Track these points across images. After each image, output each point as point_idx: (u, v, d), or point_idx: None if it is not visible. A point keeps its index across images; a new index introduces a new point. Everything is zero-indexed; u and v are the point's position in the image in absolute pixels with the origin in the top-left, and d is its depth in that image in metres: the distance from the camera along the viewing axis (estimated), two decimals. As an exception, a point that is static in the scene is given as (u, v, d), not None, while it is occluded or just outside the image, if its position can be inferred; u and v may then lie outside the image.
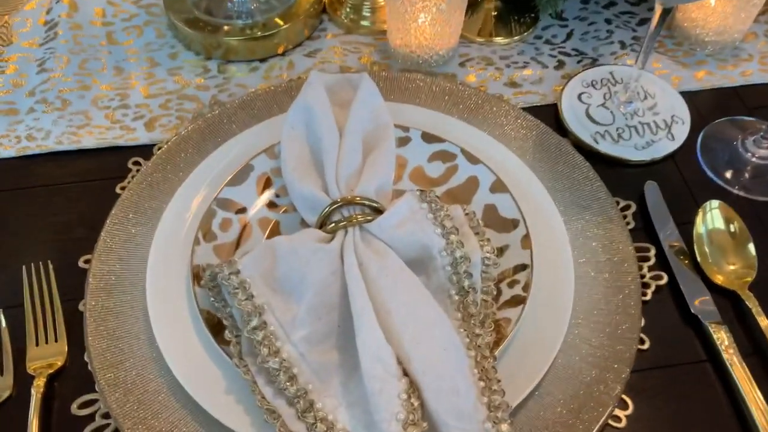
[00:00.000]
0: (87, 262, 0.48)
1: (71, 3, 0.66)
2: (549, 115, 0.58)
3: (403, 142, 0.52)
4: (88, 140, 0.56)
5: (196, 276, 0.44)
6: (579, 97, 0.58)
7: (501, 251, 0.46)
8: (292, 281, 0.42)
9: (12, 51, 0.63)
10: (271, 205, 0.50)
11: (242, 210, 0.49)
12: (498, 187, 0.48)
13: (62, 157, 0.55)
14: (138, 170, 0.53)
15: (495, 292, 0.43)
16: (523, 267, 0.45)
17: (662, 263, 0.49)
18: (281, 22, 0.62)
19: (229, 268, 0.41)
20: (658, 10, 0.49)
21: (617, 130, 0.55)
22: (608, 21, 0.65)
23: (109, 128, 0.57)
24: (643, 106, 0.57)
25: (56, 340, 0.45)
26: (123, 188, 0.52)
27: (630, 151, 0.54)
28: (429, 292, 0.41)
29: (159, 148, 0.55)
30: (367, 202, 0.46)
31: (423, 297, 0.41)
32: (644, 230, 0.51)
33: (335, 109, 0.52)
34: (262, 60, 0.62)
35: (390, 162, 0.49)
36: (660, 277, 0.47)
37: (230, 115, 0.55)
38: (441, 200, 0.45)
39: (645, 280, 0.47)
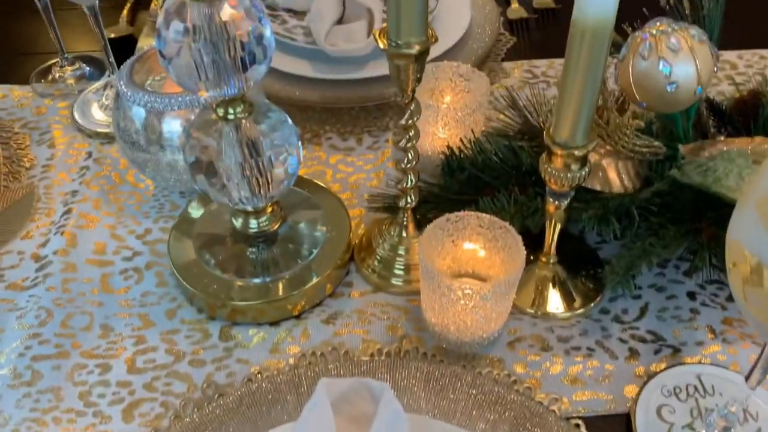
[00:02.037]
0: None
1: (70, 237, 0.59)
2: (619, 426, 0.46)
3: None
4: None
5: None
6: (658, 411, 0.46)
7: None
8: None
9: (-6, 293, 0.56)
10: None
11: None
12: None
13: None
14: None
15: None
16: None
17: None
18: (302, 282, 0.53)
19: None
20: None
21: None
22: (691, 295, 0.54)
23: (80, 414, 0.47)
24: None
25: None
26: None
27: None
28: None
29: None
30: None
31: None
32: None
33: (345, 425, 0.41)
34: (273, 323, 0.53)
35: None
36: None
37: (221, 420, 0.45)
38: None
39: None
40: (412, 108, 0.48)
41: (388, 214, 0.60)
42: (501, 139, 0.64)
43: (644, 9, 0.64)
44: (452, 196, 0.57)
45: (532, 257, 0.56)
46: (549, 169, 0.48)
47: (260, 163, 0.48)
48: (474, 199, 0.57)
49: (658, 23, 0.55)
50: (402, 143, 0.50)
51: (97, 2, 0.64)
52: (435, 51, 0.73)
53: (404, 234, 0.56)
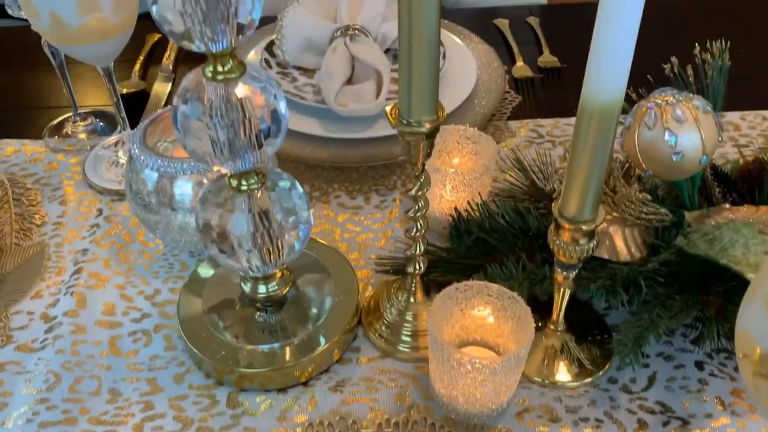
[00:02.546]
0: None
1: (80, 298, 0.60)
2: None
3: None
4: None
5: None
6: (668, 488, 0.46)
7: None
8: None
9: (3, 355, 0.56)
10: None
11: None
12: None
13: None
14: None
15: None
16: None
17: None
18: (310, 348, 0.53)
19: None
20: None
21: None
22: (699, 365, 0.54)
23: (86, 484, 0.47)
24: None
25: None
26: None
27: None
28: None
29: None
30: None
31: None
32: None
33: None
34: (281, 390, 0.53)
35: None
36: None
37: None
38: None
39: None
40: (422, 180, 0.48)
41: (396, 277, 0.60)
42: (508, 200, 0.65)
43: (649, 76, 0.66)
44: (460, 260, 0.58)
45: (540, 323, 0.57)
46: (557, 242, 0.48)
47: (271, 232, 0.48)
48: (482, 264, 0.58)
49: (663, 94, 0.56)
50: (411, 213, 0.51)
51: (112, 64, 0.66)
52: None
53: (412, 300, 0.56)
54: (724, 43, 0.61)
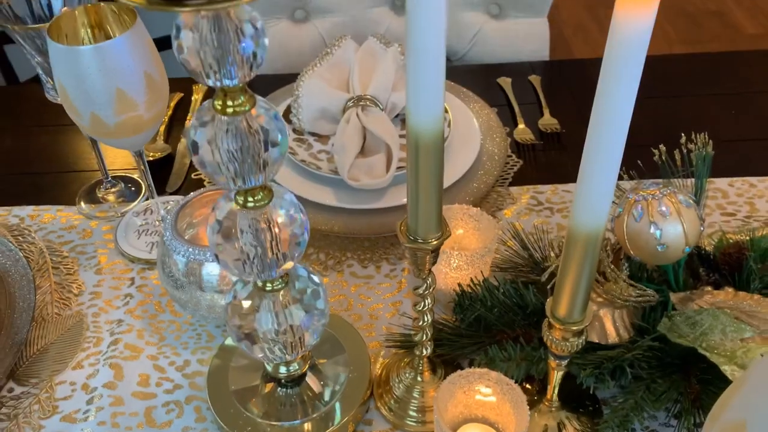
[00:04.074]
0: None
1: (117, 370, 0.65)
2: None
3: None
4: None
5: None
6: None
7: None
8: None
9: (50, 426, 0.62)
10: None
11: None
12: None
13: None
14: None
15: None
16: None
17: None
18: (326, 423, 0.59)
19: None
20: None
21: None
22: (681, 440, 0.59)
23: None
24: None
25: None
26: None
27: None
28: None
29: None
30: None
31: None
32: None
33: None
34: (301, 461, 0.59)
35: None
36: None
37: None
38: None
39: None
40: (428, 281, 0.54)
41: (405, 350, 0.66)
42: (508, 273, 0.70)
43: (639, 161, 0.71)
44: (465, 341, 0.63)
45: (536, 396, 0.62)
46: (550, 337, 0.53)
47: (294, 327, 0.54)
48: (484, 341, 0.63)
49: (649, 187, 0.61)
50: (419, 306, 0.56)
51: (143, 148, 0.71)
52: (449, 180, 0.80)
53: (419, 378, 0.62)
54: (706, 137, 0.66)
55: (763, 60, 1.03)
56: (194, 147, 0.43)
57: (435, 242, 0.50)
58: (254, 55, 0.40)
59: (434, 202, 0.48)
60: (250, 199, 0.47)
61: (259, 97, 0.44)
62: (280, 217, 0.48)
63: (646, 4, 0.36)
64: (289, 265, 0.50)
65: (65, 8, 0.68)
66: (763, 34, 2.67)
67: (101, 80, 0.61)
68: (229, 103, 0.42)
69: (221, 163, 0.43)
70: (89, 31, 0.66)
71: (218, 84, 0.40)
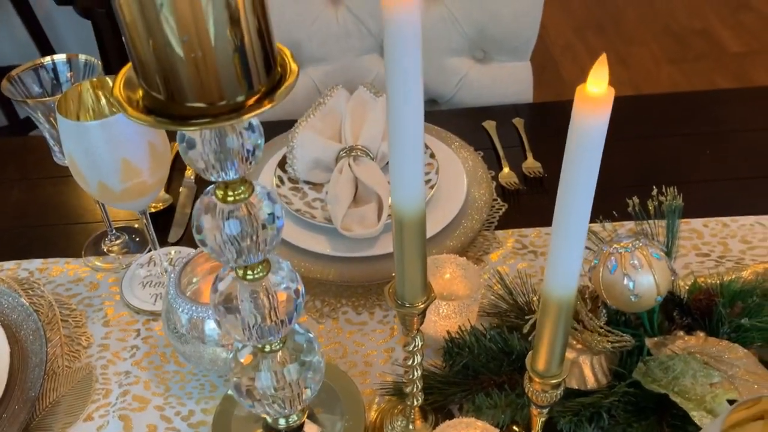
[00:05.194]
0: None
1: (126, 421, 0.69)
2: None
3: None
4: None
5: None
6: None
7: None
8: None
9: (64, 478, 0.66)
10: None
11: None
12: None
13: None
14: None
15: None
16: None
17: None
18: (322, 470, 0.63)
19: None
20: None
21: None
22: (657, 480, 0.63)
23: None
24: None
25: None
26: None
27: None
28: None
29: None
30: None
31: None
32: None
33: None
34: (301, 507, 0.63)
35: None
36: None
37: None
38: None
39: None
40: (416, 340, 0.58)
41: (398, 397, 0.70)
42: (494, 320, 0.74)
43: (614, 212, 0.76)
44: (454, 389, 0.67)
45: (521, 440, 0.66)
46: (531, 389, 0.57)
47: (292, 384, 0.58)
48: (472, 388, 0.67)
49: (623, 240, 0.65)
50: (409, 362, 0.60)
51: (147, 207, 0.76)
52: (437, 226, 0.84)
53: (411, 426, 0.65)
54: (675, 190, 0.70)
55: (736, 99, 1.08)
56: (198, 230, 0.48)
57: (422, 305, 0.54)
58: (252, 152, 0.44)
59: (419, 271, 0.52)
60: (250, 272, 0.51)
61: (256, 183, 0.48)
62: (278, 287, 0.52)
63: (602, 107, 0.40)
64: (286, 330, 0.54)
65: (73, 84, 0.72)
66: (747, 53, 2.74)
67: (108, 152, 0.65)
68: (230, 193, 0.46)
69: (222, 245, 0.47)
70: (95, 102, 0.71)
71: (220, 179, 0.44)
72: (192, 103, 0.38)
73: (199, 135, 0.42)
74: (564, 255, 0.47)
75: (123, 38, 0.38)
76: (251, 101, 0.39)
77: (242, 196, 0.46)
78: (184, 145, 0.43)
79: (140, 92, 0.39)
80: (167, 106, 0.39)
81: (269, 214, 0.47)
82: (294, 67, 0.41)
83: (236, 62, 0.38)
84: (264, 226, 0.47)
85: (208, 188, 0.48)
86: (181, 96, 0.38)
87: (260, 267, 0.51)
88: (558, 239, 0.47)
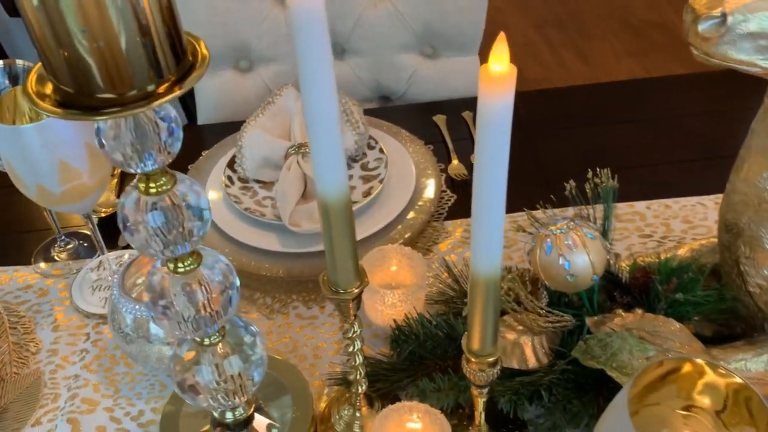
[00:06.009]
0: None
1: (75, 424, 0.69)
2: None
3: None
4: None
5: None
6: None
7: None
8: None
9: (11, 483, 0.65)
10: None
11: None
12: None
13: None
14: None
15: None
16: None
17: None
18: (270, 461, 0.63)
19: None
20: None
21: None
22: (598, 454, 0.65)
23: None
24: None
25: None
26: None
27: None
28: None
29: None
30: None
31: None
32: None
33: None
34: (250, 499, 0.63)
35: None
36: None
37: None
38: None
39: None
40: (354, 327, 0.59)
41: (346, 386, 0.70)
42: (441, 307, 0.75)
43: (552, 196, 0.77)
44: (400, 375, 0.68)
45: (466, 422, 0.67)
46: (468, 369, 0.58)
47: (233, 376, 0.58)
48: (418, 373, 0.68)
49: (558, 223, 0.67)
50: (350, 348, 0.61)
51: (91, 211, 0.76)
52: (386, 218, 0.85)
53: (358, 414, 0.66)
54: (611, 173, 0.72)
55: (676, 85, 1.10)
56: (124, 225, 0.48)
57: (355, 290, 0.55)
58: (170, 142, 0.44)
59: (350, 257, 0.53)
60: (180, 265, 0.51)
61: (179, 174, 0.48)
62: (211, 279, 0.53)
63: (506, 84, 0.42)
64: (222, 321, 0.55)
65: (7, 90, 0.72)
66: (704, 44, 2.79)
67: (44, 154, 0.65)
68: (152, 184, 0.46)
69: (148, 237, 0.47)
70: (32, 107, 0.70)
71: (140, 171, 0.45)
72: (101, 94, 0.39)
73: (113, 127, 0.43)
74: (484, 234, 0.49)
75: (28, 32, 0.38)
76: (162, 89, 0.40)
77: (165, 187, 0.47)
78: (101, 139, 0.43)
79: (50, 86, 0.40)
80: (77, 98, 0.39)
81: (194, 205, 0.48)
82: (205, 53, 0.41)
83: (142, 51, 0.38)
84: (189, 216, 0.48)
85: (132, 182, 0.48)
86: (90, 87, 0.38)
87: (190, 259, 0.52)
88: (478, 219, 0.48)
